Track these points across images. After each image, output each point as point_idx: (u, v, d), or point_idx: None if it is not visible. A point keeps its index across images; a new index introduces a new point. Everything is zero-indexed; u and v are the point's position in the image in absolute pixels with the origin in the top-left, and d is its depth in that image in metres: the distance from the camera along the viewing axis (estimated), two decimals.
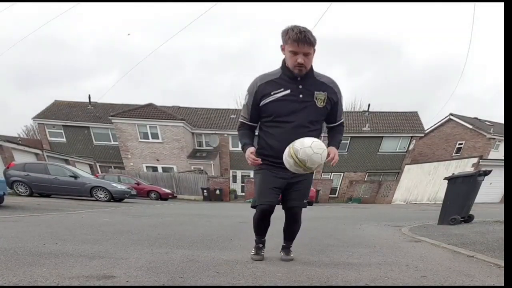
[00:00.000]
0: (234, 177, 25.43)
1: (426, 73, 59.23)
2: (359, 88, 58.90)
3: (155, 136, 23.48)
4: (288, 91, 2.16)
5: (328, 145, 2.24)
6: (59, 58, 60.76)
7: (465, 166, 17.95)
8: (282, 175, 2.20)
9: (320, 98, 2.18)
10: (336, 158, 2.12)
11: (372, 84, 58.56)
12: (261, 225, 2.41)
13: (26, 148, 16.09)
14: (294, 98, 2.16)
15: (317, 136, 2.27)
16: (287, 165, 2.03)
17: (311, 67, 2.19)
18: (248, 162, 2.20)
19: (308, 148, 1.95)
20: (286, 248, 2.52)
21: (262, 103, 2.19)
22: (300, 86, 2.16)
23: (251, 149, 2.17)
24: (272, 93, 2.17)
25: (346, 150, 25.65)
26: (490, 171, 5.10)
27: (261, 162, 2.17)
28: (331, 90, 2.23)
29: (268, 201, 2.23)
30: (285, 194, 2.30)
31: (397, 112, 27.15)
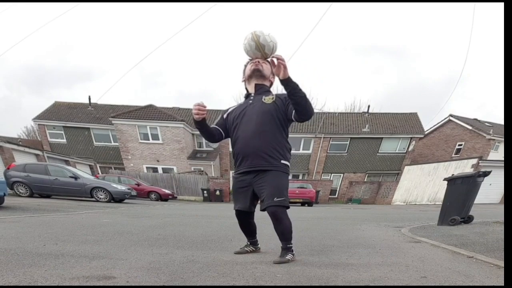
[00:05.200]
0: None
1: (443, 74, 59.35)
2: (376, 90, 59.14)
3: (155, 137, 23.49)
4: (243, 106, 2.51)
5: None
6: (70, 60, 61.34)
7: (465, 167, 17.95)
8: (246, 181, 2.45)
9: (267, 97, 2.44)
10: (284, 66, 2.14)
11: (386, 86, 58.92)
12: (241, 227, 2.71)
13: (27, 149, 16.10)
14: (246, 105, 2.50)
15: (279, 136, 2.41)
16: (247, 48, 2.37)
17: (269, 89, 2.53)
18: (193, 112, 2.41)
19: (267, 36, 2.34)
20: (282, 249, 2.46)
21: (226, 115, 2.61)
22: (252, 97, 2.50)
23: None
24: (233, 109, 2.58)
25: (345, 151, 25.69)
26: (489, 172, 5.10)
27: (201, 112, 2.39)
28: (279, 94, 2.47)
29: (237, 206, 2.54)
30: (259, 197, 2.44)
31: (396, 113, 27.18)
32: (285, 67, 2.12)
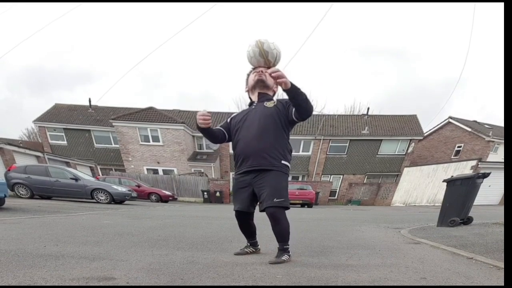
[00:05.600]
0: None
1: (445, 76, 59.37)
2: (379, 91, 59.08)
3: (155, 139, 23.51)
4: (246, 111, 2.59)
5: None
6: (71, 62, 61.51)
7: (464, 168, 17.94)
8: (246, 181, 2.47)
9: (269, 102, 2.51)
10: (282, 76, 2.15)
11: (389, 88, 58.93)
12: (240, 228, 2.70)
13: (27, 151, 16.11)
14: (248, 110, 2.57)
15: (280, 138, 2.45)
16: (251, 54, 2.43)
17: (271, 97, 2.58)
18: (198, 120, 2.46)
19: (271, 44, 2.40)
20: (279, 249, 2.49)
21: (230, 119, 2.66)
22: (255, 104, 2.57)
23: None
24: (237, 114, 2.65)
25: (345, 153, 25.69)
26: (489, 174, 5.10)
27: (207, 121, 2.43)
28: (280, 99, 2.55)
29: (237, 207, 2.55)
30: (258, 198, 2.47)
31: (396, 115, 27.22)
32: (285, 83, 2.16)
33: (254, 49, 2.40)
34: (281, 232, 2.45)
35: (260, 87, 2.52)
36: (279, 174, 2.40)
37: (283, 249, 2.46)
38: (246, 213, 2.55)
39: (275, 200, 2.34)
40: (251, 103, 2.61)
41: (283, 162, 2.44)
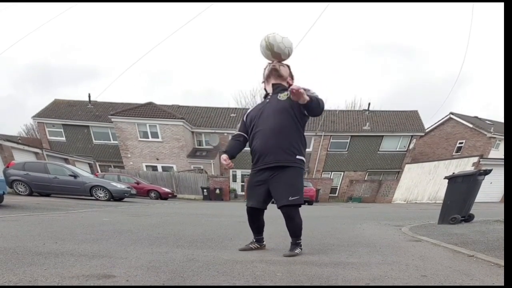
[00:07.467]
0: (234, 176, 25.44)
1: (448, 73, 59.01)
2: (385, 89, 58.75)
3: (154, 135, 23.46)
4: (261, 105, 2.63)
5: None
6: (77, 59, 61.28)
7: (466, 165, 17.94)
8: (262, 178, 2.52)
9: (283, 94, 2.53)
10: (299, 89, 2.26)
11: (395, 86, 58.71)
12: (250, 223, 2.75)
13: (26, 147, 16.11)
14: (263, 104, 2.61)
15: (295, 132, 2.51)
16: (260, 49, 2.50)
17: (286, 87, 2.60)
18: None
19: (277, 36, 2.43)
20: (292, 244, 2.62)
21: (246, 117, 2.69)
22: (270, 96, 2.61)
23: (224, 156, 2.60)
24: (252, 109, 2.71)
25: (346, 149, 25.68)
26: (490, 170, 5.10)
27: (232, 166, 2.62)
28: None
29: (251, 203, 2.60)
30: (273, 195, 2.53)
31: (397, 111, 27.14)
32: (303, 100, 2.28)
33: (261, 43, 2.46)
34: (294, 229, 2.59)
35: (274, 77, 2.56)
36: (295, 171, 2.48)
37: (295, 243, 2.61)
38: (259, 209, 2.61)
39: (290, 198, 2.43)
40: (266, 95, 2.65)
41: (298, 157, 2.49)
